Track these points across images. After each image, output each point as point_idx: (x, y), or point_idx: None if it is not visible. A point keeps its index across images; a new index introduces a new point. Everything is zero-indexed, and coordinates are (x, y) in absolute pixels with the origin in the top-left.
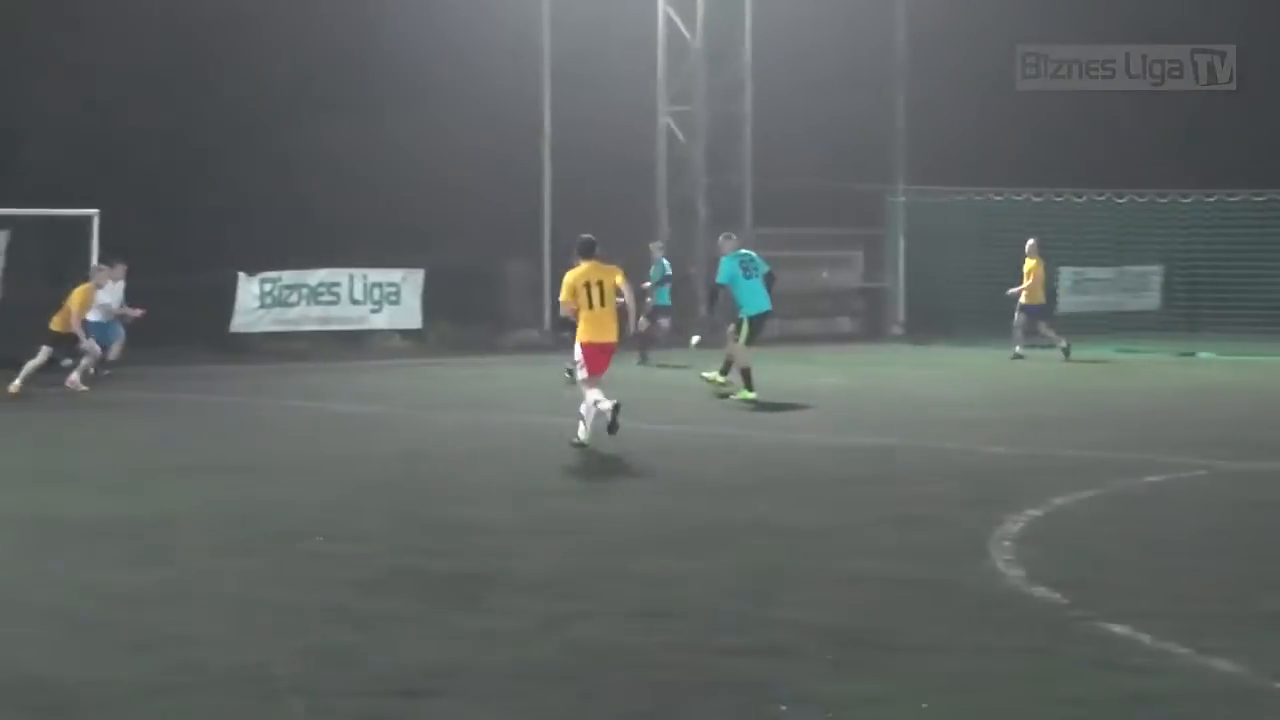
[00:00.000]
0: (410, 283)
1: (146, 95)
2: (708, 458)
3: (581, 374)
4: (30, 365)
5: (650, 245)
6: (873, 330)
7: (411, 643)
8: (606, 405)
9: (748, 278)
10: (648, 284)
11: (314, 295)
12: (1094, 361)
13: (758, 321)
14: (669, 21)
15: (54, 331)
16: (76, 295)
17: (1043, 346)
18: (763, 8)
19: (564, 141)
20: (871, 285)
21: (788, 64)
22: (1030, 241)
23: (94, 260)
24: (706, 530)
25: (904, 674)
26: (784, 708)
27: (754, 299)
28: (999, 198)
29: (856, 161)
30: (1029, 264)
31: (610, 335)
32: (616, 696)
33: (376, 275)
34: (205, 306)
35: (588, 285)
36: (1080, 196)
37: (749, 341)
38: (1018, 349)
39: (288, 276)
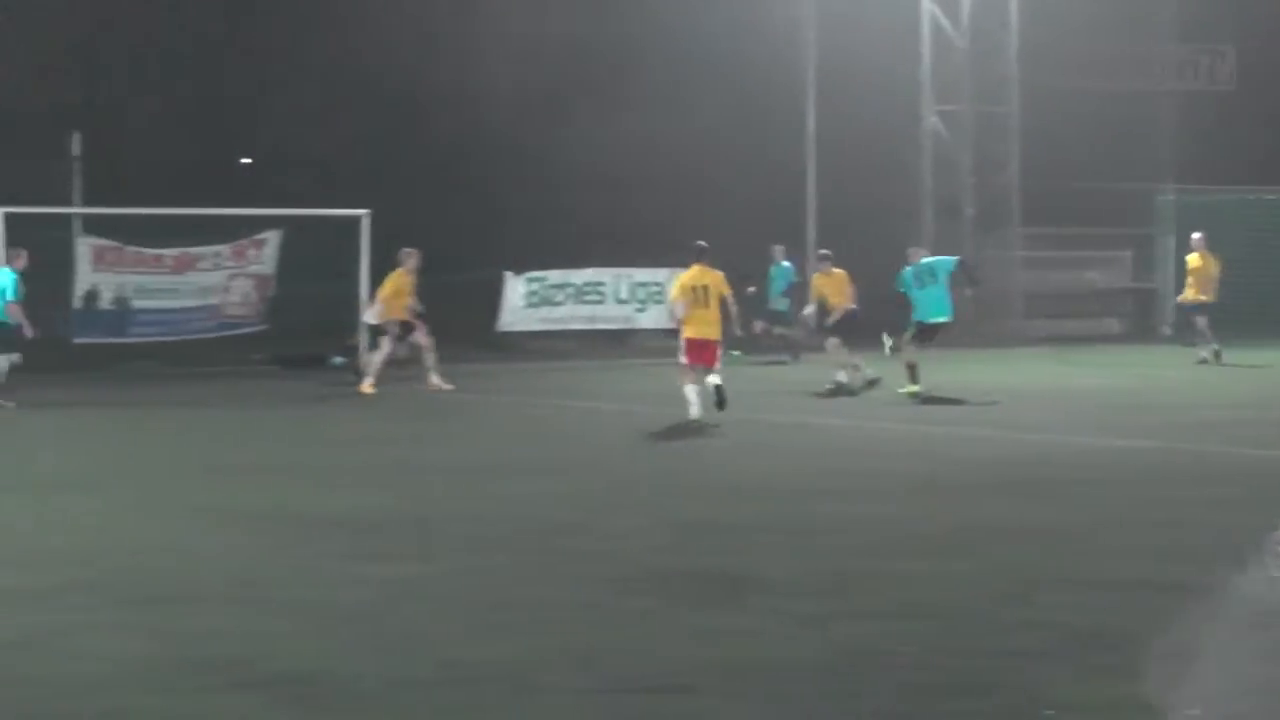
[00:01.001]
0: (674, 282)
1: (418, 97)
2: (952, 458)
3: (683, 359)
4: (376, 360)
5: (772, 248)
6: (1142, 332)
7: (666, 640)
8: (695, 397)
9: (922, 287)
10: (752, 289)
11: (579, 295)
12: None
13: (929, 329)
14: (934, 20)
15: (398, 321)
16: (391, 283)
17: (1188, 344)
18: (1029, 4)
19: (827, 141)
20: (1141, 286)
21: (1055, 62)
22: (1195, 236)
23: (363, 260)
24: (959, 532)
25: (1167, 681)
26: (1050, 712)
27: (927, 307)
28: (1272, 196)
29: (1125, 160)
30: (1195, 260)
31: (710, 333)
32: (872, 697)
33: (641, 275)
34: (473, 305)
35: (694, 288)
36: None
37: (915, 343)
38: (1205, 350)
39: (554, 276)
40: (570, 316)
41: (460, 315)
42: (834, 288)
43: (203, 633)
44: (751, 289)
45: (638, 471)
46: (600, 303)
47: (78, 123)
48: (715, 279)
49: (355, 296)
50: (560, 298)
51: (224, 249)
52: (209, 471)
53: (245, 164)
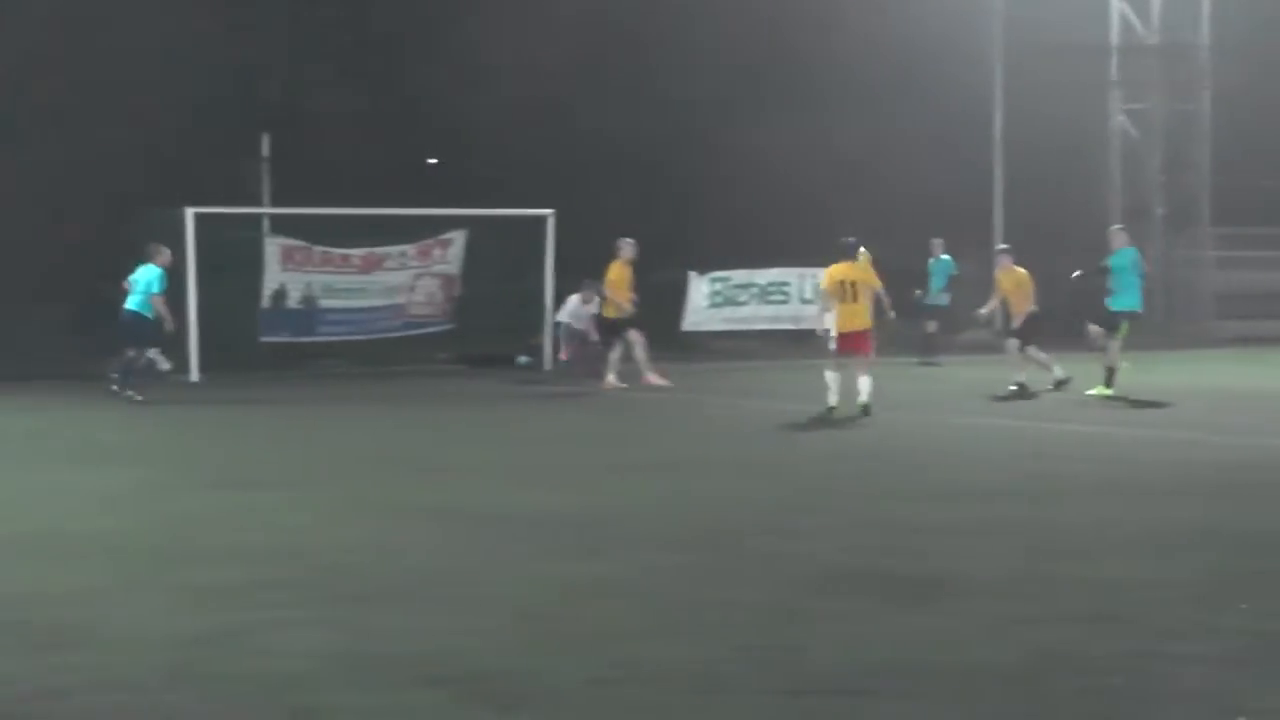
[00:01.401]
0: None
1: (598, 97)
2: (1144, 461)
3: (832, 346)
4: (612, 357)
5: (931, 241)
6: None
7: (858, 642)
8: (835, 384)
9: (1138, 275)
10: (918, 292)
11: (764, 294)
12: None
13: (1135, 320)
14: (1123, 17)
15: (609, 319)
16: (613, 273)
17: None
18: (1221, 1)
19: (1014, 140)
20: None
21: (1248, 59)
22: None
23: (548, 260)
24: (1155, 535)
25: None
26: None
27: (1137, 296)
28: None
29: None
30: None
31: (857, 325)
32: (1067, 701)
33: None
34: (657, 305)
35: (843, 283)
36: None
37: (1118, 340)
38: None
39: (738, 276)
40: (754, 316)
41: (645, 315)
42: (1015, 287)
43: (393, 630)
44: (918, 292)
45: (823, 471)
46: (784, 303)
47: (267, 123)
48: (863, 275)
49: (540, 296)
50: (744, 298)
51: (410, 249)
52: (400, 470)
53: (432, 164)
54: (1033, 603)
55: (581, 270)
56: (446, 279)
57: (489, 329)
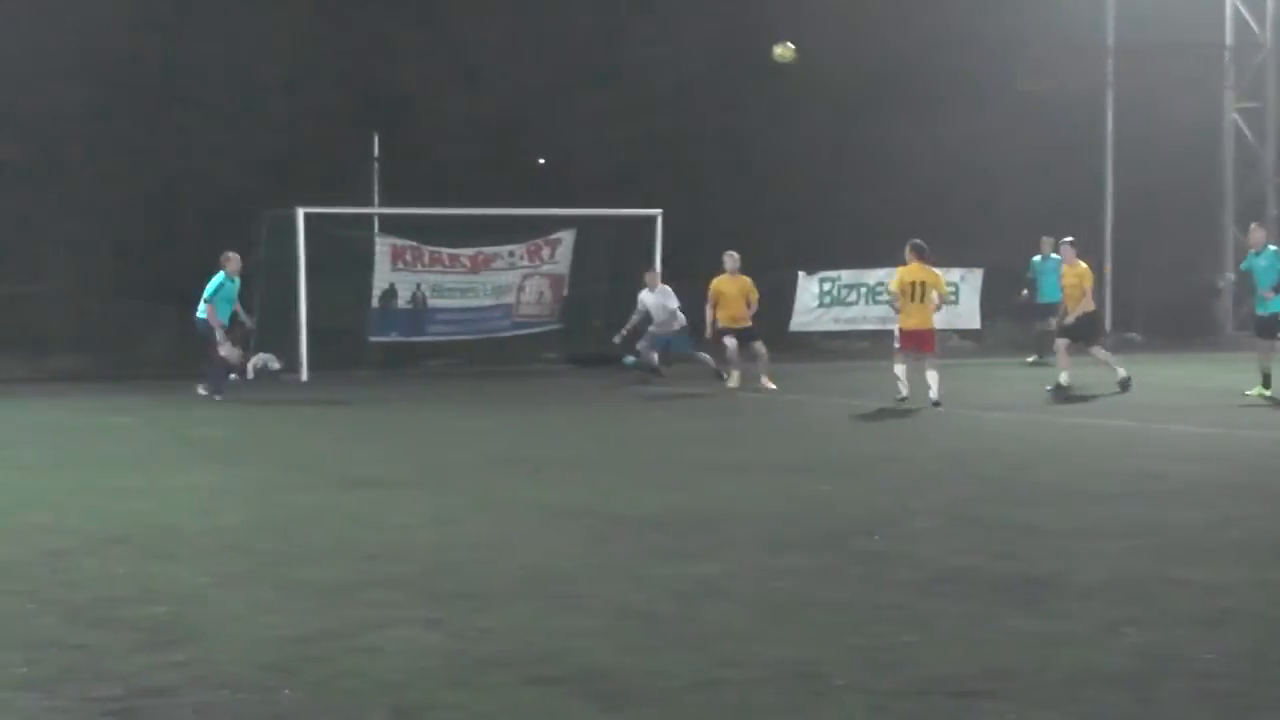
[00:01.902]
0: (969, 282)
1: (707, 97)
2: (1268, 466)
3: (897, 344)
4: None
5: (1041, 239)
6: None
7: (968, 644)
8: (904, 375)
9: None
10: (1024, 292)
11: (872, 294)
12: None
13: None
14: (1237, 14)
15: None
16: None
17: None
18: None
19: (1126, 139)
20: None
21: None
22: None
23: (657, 260)
24: (1272, 537)
25: None
26: None
27: None
28: None
29: None
30: None
31: (922, 324)
32: (1177, 706)
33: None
34: (766, 305)
35: (912, 283)
36: None
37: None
38: None
39: (846, 276)
40: (862, 317)
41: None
42: (1075, 282)
43: (502, 629)
44: (1024, 292)
45: (931, 472)
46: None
47: (377, 123)
48: (932, 277)
49: None
50: (853, 298)
51: (519, 248)
52: (508, 469)
53: (540, 164)
54: (1142, 605)
55: (687, 269)
56: (555, 279)
57: (596, 329)
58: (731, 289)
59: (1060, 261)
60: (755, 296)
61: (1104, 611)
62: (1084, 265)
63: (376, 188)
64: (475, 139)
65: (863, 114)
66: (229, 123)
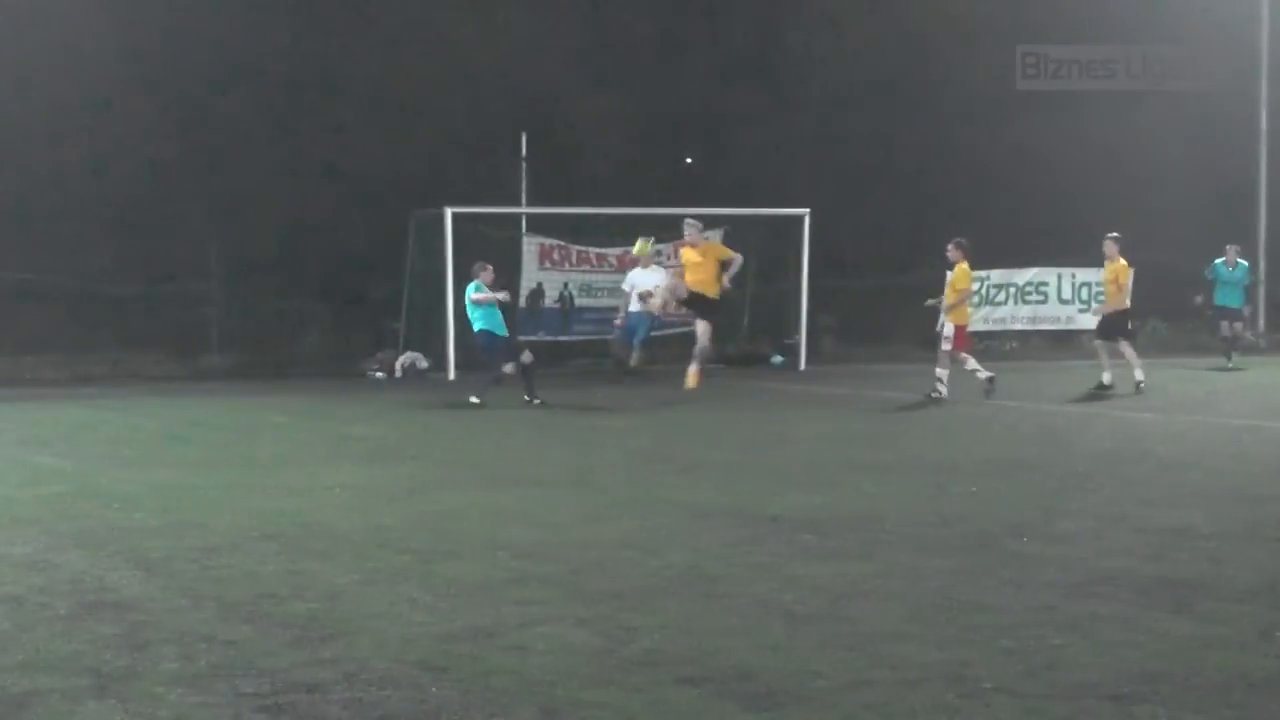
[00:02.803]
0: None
1: (866, 99)
2: None
3: (946, 345)
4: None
5: (1227, 248)
6: None
7: (1120, 647)
8: (984, 374)
9: None
10: (1199, 298)
11: (1022, 294)
12: None
13: None
14: None
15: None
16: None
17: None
18: None
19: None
20: None
21: None
22: None
23: (804, 259)
24: None
25: None
26: None
27: None
28: None
29: None
30: None
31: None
32: None
33: (1085, 274)
34: (911, 305)
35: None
36: None
37: None
38: None
39: (996, 275)
40: (1011, 316)
41: (901, 315)
42: (1112, 278)
43: (650, 628)
44: (1199, 298)
45: (1080, 473)
46: (1043, 302)
47: (526, 123)
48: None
49: (797, 296)
50: (1002, 297)
51: (665, 248)
52: (657, 468)
53: (688, 163)
54: None
55: (831, 270)
56: None
57: (744, 329)
58: (694, 256)
59: (1246, 269)
60: (732, 256)
61: (1257, 616)
62: (1123, 262)
63: (524, 187)
64: (622, 138)
65: (1012, 114)
66: (384, 122)
